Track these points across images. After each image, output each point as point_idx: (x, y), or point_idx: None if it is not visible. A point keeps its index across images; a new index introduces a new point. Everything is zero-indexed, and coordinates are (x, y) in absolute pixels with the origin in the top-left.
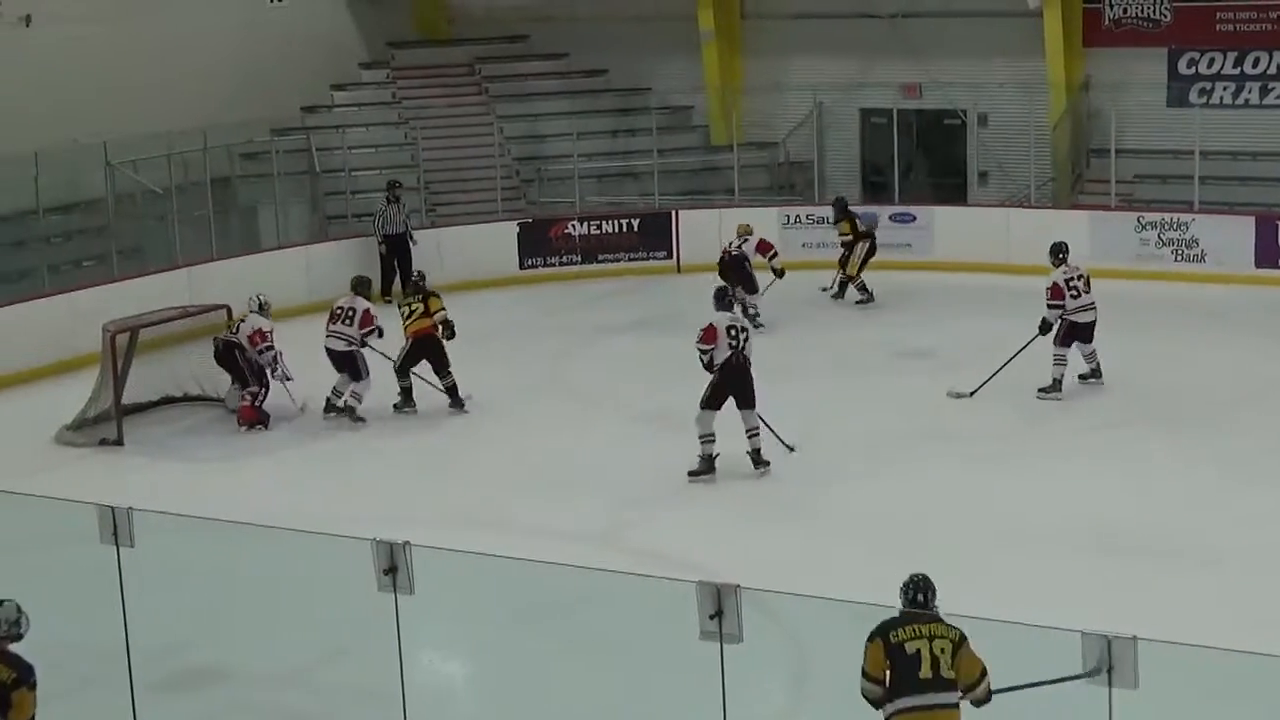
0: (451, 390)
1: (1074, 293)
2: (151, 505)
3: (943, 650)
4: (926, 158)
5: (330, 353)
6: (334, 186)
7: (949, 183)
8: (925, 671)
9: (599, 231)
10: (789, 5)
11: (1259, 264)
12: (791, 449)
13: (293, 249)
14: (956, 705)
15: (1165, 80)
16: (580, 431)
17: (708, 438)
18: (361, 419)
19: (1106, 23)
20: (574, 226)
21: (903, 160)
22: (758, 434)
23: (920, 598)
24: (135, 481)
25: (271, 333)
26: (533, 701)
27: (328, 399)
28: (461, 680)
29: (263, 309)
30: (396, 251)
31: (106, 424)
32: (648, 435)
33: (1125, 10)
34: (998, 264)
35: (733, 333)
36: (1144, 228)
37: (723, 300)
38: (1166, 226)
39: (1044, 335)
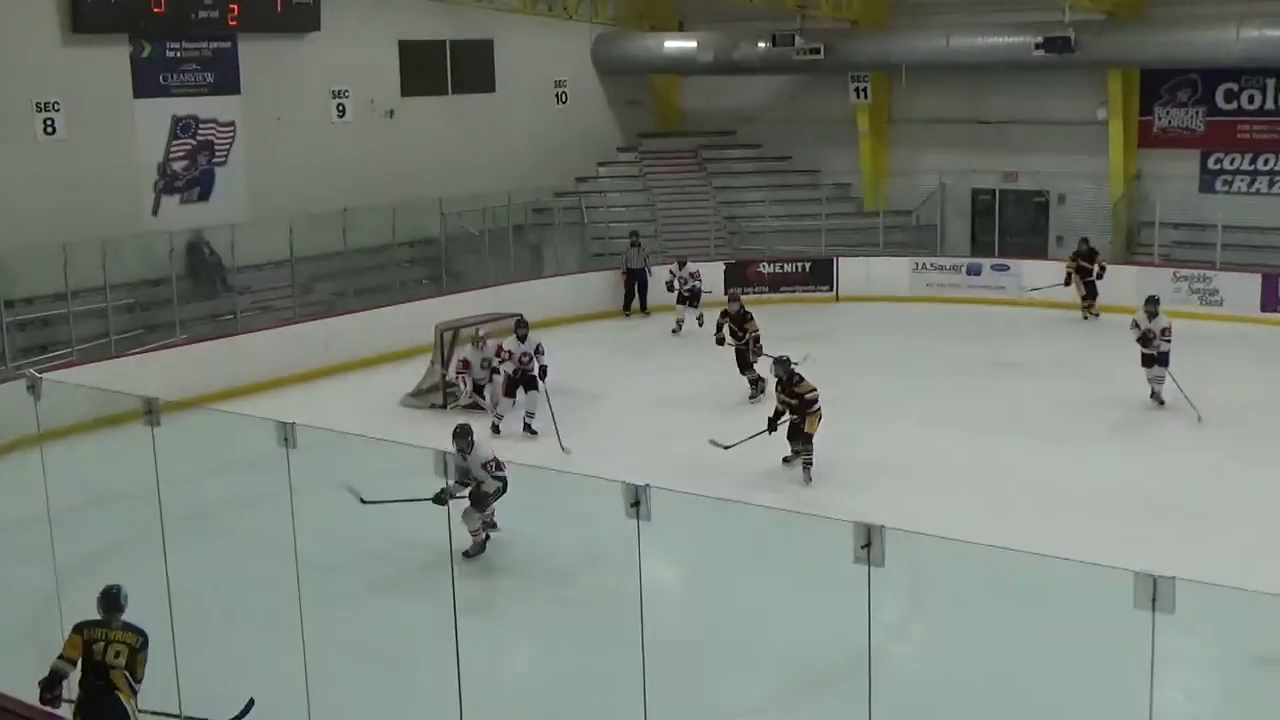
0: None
1: None
2: None
3: None
4: (1018, 224)
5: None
6: (597, 234)
7: (1034, 243)
8: None
9: (781, 270)
10: (923, 113)
11: (1263, 309)
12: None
13: (566, 276)
14: None
15: (1198, 173)
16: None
17: (478, 530)
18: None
19: (1155, 130)
20: (764, 266)
21: (1002, 226)
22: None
23: None
24: None
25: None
26: (730, 598)
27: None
28: (681, 583)
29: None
30: (635, 280)
31: (435, 393)
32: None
33: (1169, 122)
34: (1068, 302)
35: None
36: (1178, 280)
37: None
38: (1195, 279)
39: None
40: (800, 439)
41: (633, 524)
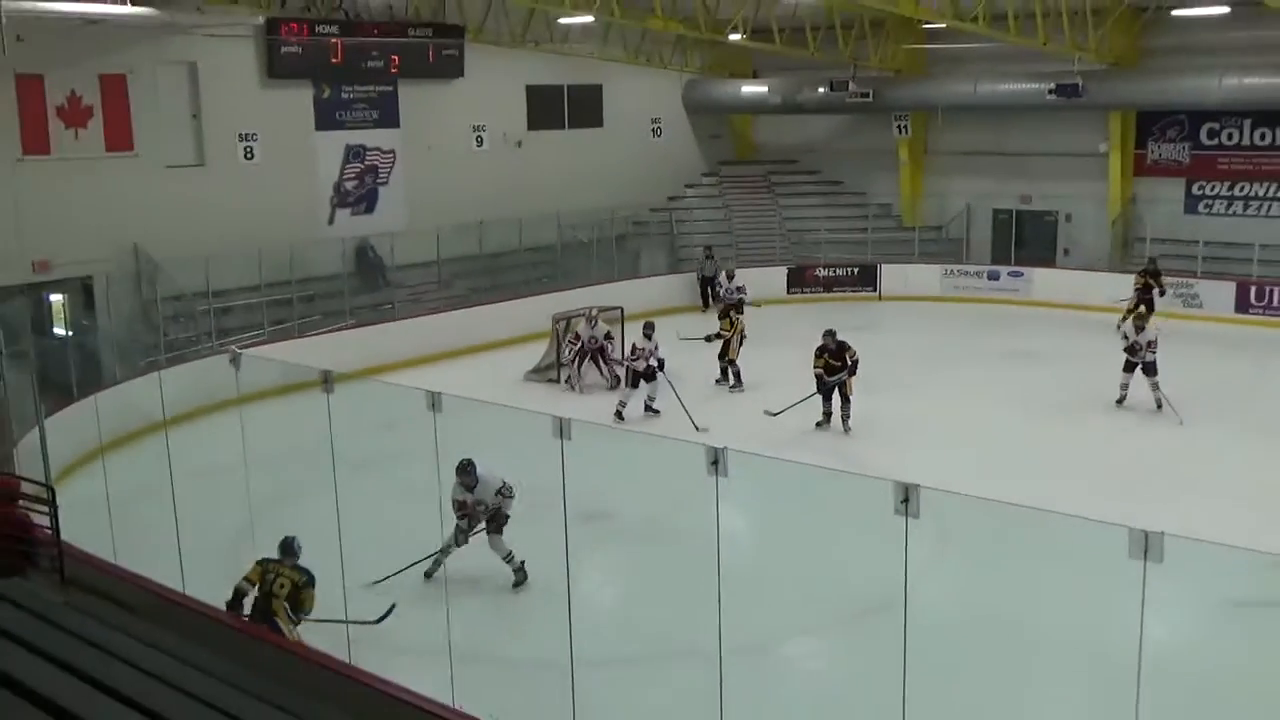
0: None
1: None
2: (579, 417)
3: None
4: (1032, 239)
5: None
6: (683, 243)
7: (1044, 255)
8: None
9: (834, 274)
10: (953, 146)
11: (1237, 310)
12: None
13: (656, 277)
14: None
15: (1184, 198)
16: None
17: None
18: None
19: (1148, 161)
20: (820, 270)
21: (1018, 239)
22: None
23: None
24: (568, 403)
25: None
26: (786, 542)
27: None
28: (746, 529)
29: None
30: (708, 284)
31: (551, 370)
32: (869, 392)
33: (1160, 155)
34: (1073, 304)
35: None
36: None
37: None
38: (1179, 286)
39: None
40: (841, 400)
41: (711, 480)
